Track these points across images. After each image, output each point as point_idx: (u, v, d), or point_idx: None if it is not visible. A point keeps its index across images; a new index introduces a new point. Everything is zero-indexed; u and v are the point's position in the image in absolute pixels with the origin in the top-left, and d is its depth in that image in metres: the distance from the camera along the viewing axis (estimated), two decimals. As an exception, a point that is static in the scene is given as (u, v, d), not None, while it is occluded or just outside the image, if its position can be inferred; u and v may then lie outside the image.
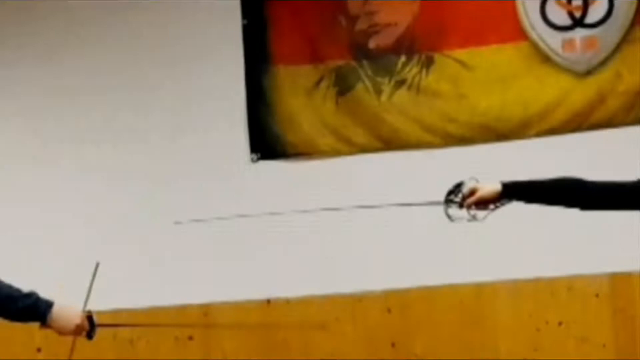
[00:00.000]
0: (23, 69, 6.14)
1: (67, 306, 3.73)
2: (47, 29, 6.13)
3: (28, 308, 3.65)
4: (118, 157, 6.00)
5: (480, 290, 5.49)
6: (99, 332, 5.81)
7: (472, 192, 3.96)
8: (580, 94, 5.43)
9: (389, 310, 5.63)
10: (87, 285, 3.83)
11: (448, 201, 4.03)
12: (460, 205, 3.99)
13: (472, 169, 5.49)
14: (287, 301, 5.70)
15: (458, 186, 4.02)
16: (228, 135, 5.85)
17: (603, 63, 5.40)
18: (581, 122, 5.41)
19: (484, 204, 3.96)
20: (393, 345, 5.61)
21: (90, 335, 3.84)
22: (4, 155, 6.01)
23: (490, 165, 5.48)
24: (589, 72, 5.43)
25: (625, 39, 5.38)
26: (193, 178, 5.90)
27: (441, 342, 5.54)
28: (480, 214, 4.00)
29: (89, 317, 3.79)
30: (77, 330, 3.77)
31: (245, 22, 5.87)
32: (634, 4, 5.38)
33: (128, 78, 6.02)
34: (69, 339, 5.84)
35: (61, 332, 3.75)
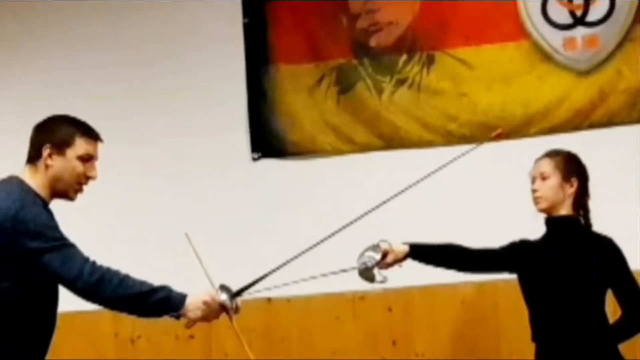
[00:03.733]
0: (22, 66, 6.15)
1: (199, 293, 3.73)
2: (48, 27, 6.13)
3: (161, 300, 3.64)
4: (118, 155, 5.99)
5: (481, 288, 5.49)
6: (102, 331, 5.87)
7: (385, 254, 4.35)
8: (581, 92, 5.43)
9: (390, 309, 5.63)
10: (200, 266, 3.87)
11: (366, 266, 4.39)
12: (377, 266, 4.37)
13: (473, 167, 5.53)
14: (288, 300, 5.69)
15: (372, 249, 4.37)
16: (229, 134, 5.85)
17: (604, 61, 5.40)
18: (582, 120, 5.41)
19: (394, 263, 4.39)
20: (394, 343, 5.61)
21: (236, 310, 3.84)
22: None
23: (492, 164, 5.51)
24: (590, 71, 5.43)
25: (626, 38, 5.39)
26: (194, 177, 5.89)
27: (442, 340, 5.54)
28: (388, 274, 4.38)
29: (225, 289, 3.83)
30: (215, 311, 3.77)
31: (246, 20, 5.87)
32: (635, 3, 5.38)
33: (128, 76, 6.02)
34: (70, 338, 5.89)
35: (203, 319, 3.74)
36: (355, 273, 5.59)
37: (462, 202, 5.52)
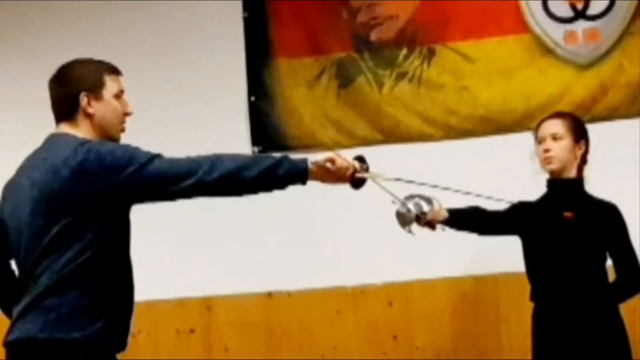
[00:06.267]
0: (24, 62, 6.14)
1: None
2: (48, 23, 6.13)
3: (281, 158, 3.41)
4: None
5: (481, 282, 5.50)
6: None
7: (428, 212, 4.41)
8: (582, 86, 5.44)
9: (390, 303, 5.62)
10: None
11: (421, 210, 4.42)
12: (417, 219, 4.40)
13: (473, 161, 5.53)
14: (289, 294, 5.69)
15: (423, 198, 4.40)
16: (229, 128, 5.84)
17: (605, 55, 5.41)
18: (583, 114, 5.39)
19: (430, 223, 4.45)
20: (395, 338, 5.61)
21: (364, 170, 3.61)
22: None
23: (492, 158, 5.51)
24: (591, 64, 5.43)
25: (627, 31, 5.39)
26: (194, 171, 5.88)
27: (443, 334, 5.54)
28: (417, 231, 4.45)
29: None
30: (344, 168, 3.50)
31: (247, 14, 5.87)
32: (636, -4, 5.39)
33: (129, 71, 5.97)
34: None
35: (329, 177, 3.49)
36: (354, 265, 5.63)
37: (465, 196, 5.51)
